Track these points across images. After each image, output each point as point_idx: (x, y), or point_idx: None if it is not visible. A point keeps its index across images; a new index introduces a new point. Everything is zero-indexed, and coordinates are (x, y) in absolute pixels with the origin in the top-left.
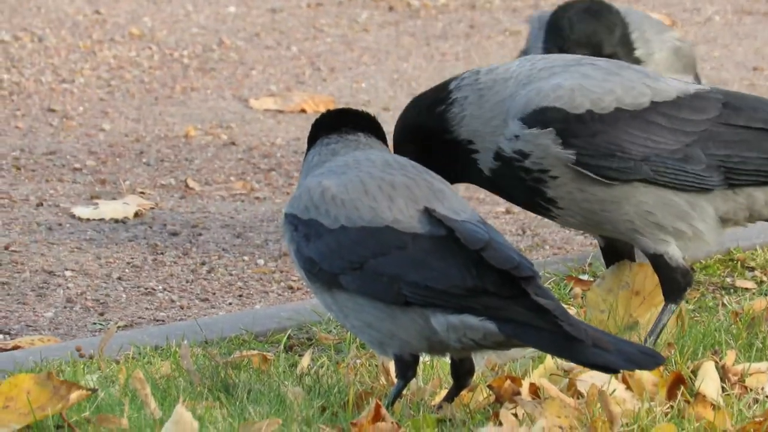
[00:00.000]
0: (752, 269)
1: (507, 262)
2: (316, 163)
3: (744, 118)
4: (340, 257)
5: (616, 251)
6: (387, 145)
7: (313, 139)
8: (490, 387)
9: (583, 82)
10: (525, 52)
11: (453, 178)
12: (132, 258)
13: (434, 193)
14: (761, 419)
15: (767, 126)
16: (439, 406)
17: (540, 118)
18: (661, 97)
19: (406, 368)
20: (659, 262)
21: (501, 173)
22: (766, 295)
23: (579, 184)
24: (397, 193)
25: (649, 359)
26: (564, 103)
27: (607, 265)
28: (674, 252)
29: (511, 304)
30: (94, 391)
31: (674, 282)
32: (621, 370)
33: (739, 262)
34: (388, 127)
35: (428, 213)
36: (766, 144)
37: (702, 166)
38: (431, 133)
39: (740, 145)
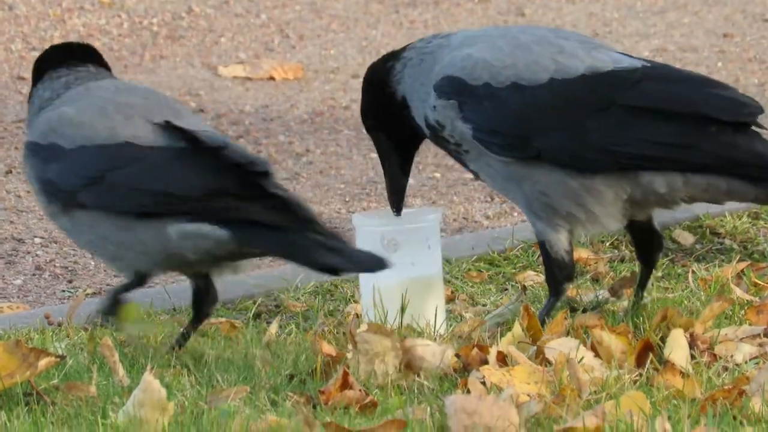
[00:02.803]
0: (720, 235)
1: (243, 158)
2: (48, 97)
3: (647, 99)
4: (77, 175)
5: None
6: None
7: (38, 75)
8: (457, 355)
9: (489, 54)
10: None
11: (409, 136)
12: None
13: (172, 111)
14: (730, 387)
15: (667, 107)
16: (183, 337)
17: (445, 87)
18: (563, 74)
19: (137, 284)
20: (543, 250)
21: (434, 140)
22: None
23: (486, 160)
24: (135, 111)
25: (374, 262)
26: (466, 74)
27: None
28: (555, 241)
29: (250, 204)
30: (62, 358)
31: (551, 274)
32: (345, 271)
33: (707, 229)
34: (358, 94)
35: (168, 128)
36: (658, 127)
37: (590, 147)
38: (380, 85)
39: (632, 128)
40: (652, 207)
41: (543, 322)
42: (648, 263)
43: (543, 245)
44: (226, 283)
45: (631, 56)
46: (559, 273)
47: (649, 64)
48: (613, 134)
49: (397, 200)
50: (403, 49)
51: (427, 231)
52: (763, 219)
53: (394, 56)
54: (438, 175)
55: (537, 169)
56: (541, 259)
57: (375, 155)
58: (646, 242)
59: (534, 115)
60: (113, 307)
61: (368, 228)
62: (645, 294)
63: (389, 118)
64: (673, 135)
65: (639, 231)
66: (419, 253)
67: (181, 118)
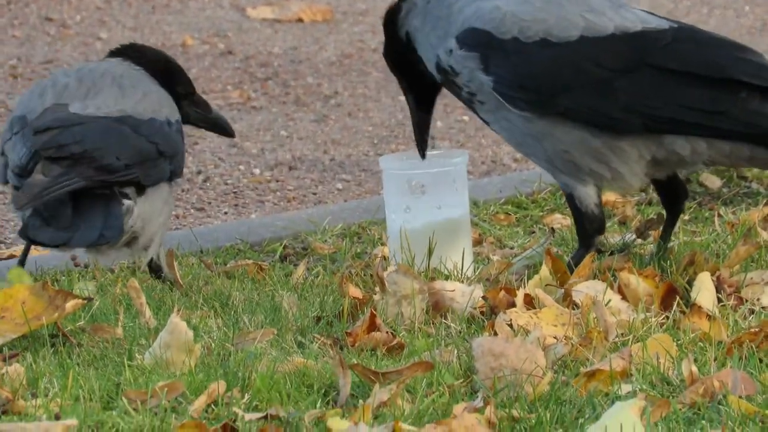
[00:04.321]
0: (747, 179)
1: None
2: None
3: (678, 62)
4: None
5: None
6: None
7: None
8: (484, 298)
9: (519, 8)
10: None
11: (423, 77)
12: None
13: (88, 91)
14: (756, 330)
15: (698, 71)
16: None
17: (469, 39)
18: (593, 32)
19: None
20: (571, 204)
21: (445, 84)
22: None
23: (503, 114)
24: (53, 90)
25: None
26: (494, 27)
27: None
28: (585, 196)
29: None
30: (89, 300)
31: (582, 227)
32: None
33: (735, 173)
34: None
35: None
36: (689, 91)
37: (618, 108)
38: (391, 24)
39: (662, 90)
40: (673, 168)
41: (572, 271)
42: (674, 212)
43: (572, 199)
44: (254, 225)
45: (656, 15)
46: (590, 226)
47: (676, 25)
48: (641, 95)
49: (420, 140)
50: None
51: (454, 173)
52: None
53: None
54: (466, 118)
55: (559, 126)
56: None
57: (403, 98)
58: (671, 191)
59: (563, 72)
60: None
61: (395, 171)
62: (671, 239)
63: (402, 57)
64: (702, 99)
65: (663, 180)
66: (446, 196)
67: (94, 97)
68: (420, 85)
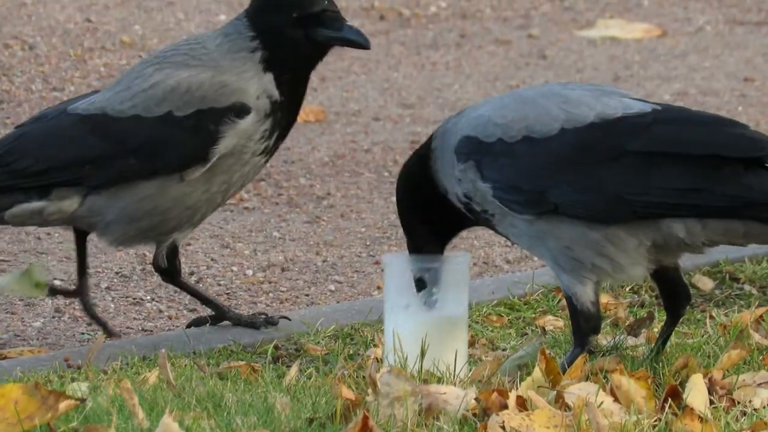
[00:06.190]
0: (740, 281)
1: None
2: None
3: (657, 145)
4: None
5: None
6: None
7: None
8: (477, 399)
9: (500, 111)
10: None
11: (456, 227)
12: (121, 268)
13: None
14: None
15: (677, 151)
16: None
17: (463, 148)
18: (573, 123)
19: None
20: (569, 303)
21: (475, 220)
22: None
23: (510, 220)
24: None
25: None
26: (480, 132)
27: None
28: (583, 295)
29: None
30: (82, 401)
31: (577, 326)
32: None
33: (727, 274)
34: (380, 137)
35: None
36: (669, 173)
37: (605, 199)
38: (420, 184)
39: (643, 175)
40: (675, 251)
41: (564, 371)
42: (675, 315)
43: (569, 298)
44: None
45: (644, 101)
46: (585, 325)
47: (660, 108)
48: (626, 183)
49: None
50: (429, 140)
51: (456, 272)
52: None
53: (425, 152)
54: None
55: (558, 224)
56: (561, 303)
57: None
58: (673, 294)
59: (548, 168)
60: None
61: (397, 267)
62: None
63: (434, 213)
64: (683, 180)
65: (666, 283)
66: (447, 294)
67: None
68: (446, 236)
